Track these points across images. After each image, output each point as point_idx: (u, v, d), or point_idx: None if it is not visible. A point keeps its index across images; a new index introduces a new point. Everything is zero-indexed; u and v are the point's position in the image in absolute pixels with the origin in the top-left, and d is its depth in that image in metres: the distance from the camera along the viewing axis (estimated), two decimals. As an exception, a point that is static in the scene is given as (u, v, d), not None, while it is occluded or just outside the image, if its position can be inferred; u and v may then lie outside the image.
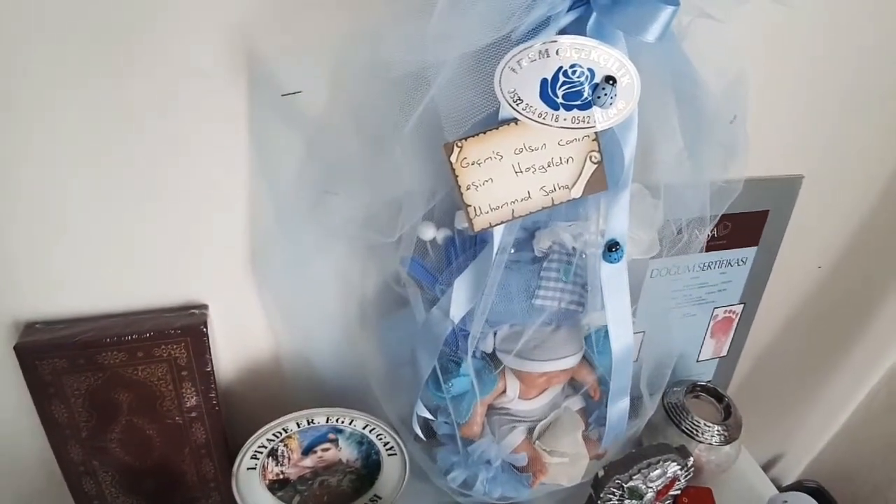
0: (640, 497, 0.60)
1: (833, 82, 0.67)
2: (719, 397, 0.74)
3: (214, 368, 0.58)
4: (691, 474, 0.61)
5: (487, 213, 0.45)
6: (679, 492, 0.64)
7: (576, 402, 0.63)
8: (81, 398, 0.56)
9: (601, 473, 0.59)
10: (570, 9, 0.41)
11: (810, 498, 0.69)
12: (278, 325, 0.61)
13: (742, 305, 0.77)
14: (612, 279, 0.51)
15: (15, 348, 0.52)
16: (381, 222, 0.51)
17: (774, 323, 0.87)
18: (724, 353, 0.82)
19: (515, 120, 0.42)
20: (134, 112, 0.48)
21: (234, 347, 0.63)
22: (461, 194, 0.44)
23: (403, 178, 0.48)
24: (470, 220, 0.45)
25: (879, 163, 0.76)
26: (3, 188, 0.49)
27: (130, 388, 0.57)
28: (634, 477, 0.58)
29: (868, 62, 0.66)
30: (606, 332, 0.55)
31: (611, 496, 0.59)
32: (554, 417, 0.61)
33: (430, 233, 0.53)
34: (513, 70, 0.40)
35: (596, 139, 0.45)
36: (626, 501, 0.60)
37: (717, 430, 0.69)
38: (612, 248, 0.49)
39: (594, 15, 0.41)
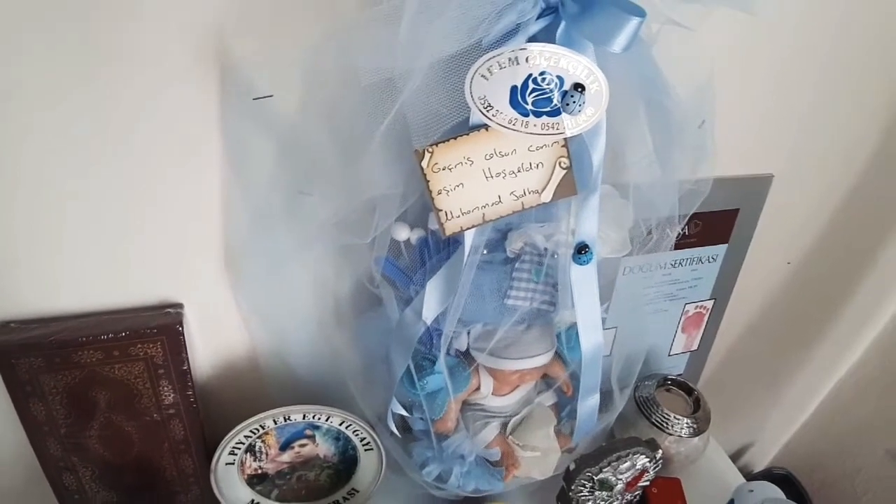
0: (611, 488, 0.62)
1: (802, 82, 0.68)
2: (689, 390, 0.76)
3: (191, 366, 0.59)
4: (659, 466, 0.63)
5: (459, 217, 0.46)
6: (648, 483, 0.65)
7: (548, 398, 0.64)
8: (59, 396, 0.56)
9: (572, 466, 0.60)
10: (539, 17, 0.41)
11: (775, 486, 0.71)
12: (254, 323, 0.62)
13: (713, 301, 0.79)
14: (582, 281, 0.52)
15: (-10, 348, 0.52)
16: (355, 224, 0.51)
17: (744, 317, 0.89)
18: (694, 346, 0.83)
19: (486, 126, 0.43)
20: (105, 115, 0.48)
21: (210, 346, 0.63)
22: (432, 199, 0.45)
23: (377, 181, 0.48)
24: (441, 225, 0.45)
25: (847, 161, 0.77)
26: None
27: (108, 387, 0.57)
28: (604, 469, 0.60)
29: (835, 62, 0.67)
30: (577, 329, 0.56)
31: (582, 488, 0.61)
32: (527, 413, 0.62)
33: (403, 233, 0.54)
34: (483, 77, 0.41)
35: (565, 145, 0.45)
36: (597, 493, 0.62)
37: (687, 423, 0.71)
38: (581, 251, 0.50)
39: (563, 23, 0.41)
